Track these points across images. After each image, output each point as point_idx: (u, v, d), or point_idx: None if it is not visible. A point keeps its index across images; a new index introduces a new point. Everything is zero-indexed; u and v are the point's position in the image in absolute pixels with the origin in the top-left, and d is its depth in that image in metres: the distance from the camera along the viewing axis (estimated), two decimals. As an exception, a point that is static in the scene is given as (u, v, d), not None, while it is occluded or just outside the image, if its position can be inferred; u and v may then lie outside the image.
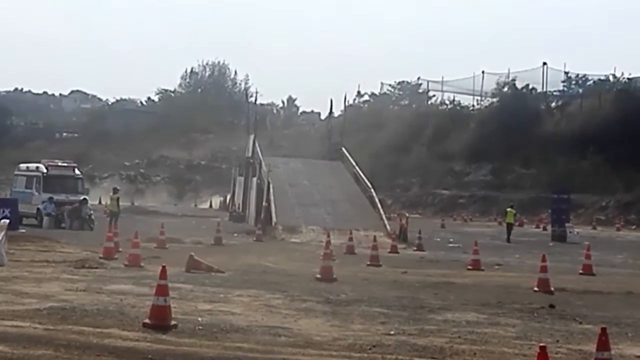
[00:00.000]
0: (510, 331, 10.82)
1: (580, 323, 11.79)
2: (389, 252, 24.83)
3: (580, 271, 19.99)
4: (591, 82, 67.10)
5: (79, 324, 9.80)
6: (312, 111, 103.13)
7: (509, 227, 34.66)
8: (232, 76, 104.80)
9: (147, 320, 9.68)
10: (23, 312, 10.40)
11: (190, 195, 68.47)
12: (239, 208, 41.32)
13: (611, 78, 65.55)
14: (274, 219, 31.34)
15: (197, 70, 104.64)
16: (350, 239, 25.08)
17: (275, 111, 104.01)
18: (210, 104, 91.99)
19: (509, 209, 35.29)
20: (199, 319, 10.48)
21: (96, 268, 16.34)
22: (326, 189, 36.04)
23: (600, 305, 13.96)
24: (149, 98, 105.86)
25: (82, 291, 12.75)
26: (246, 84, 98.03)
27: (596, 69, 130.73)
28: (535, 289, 15.56)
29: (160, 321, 9.59)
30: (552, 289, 15.54)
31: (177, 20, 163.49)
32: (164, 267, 9.87)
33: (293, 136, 78.77)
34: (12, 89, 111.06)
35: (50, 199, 30.89)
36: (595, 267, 20.29)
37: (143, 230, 22.19)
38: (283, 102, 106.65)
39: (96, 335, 9.17)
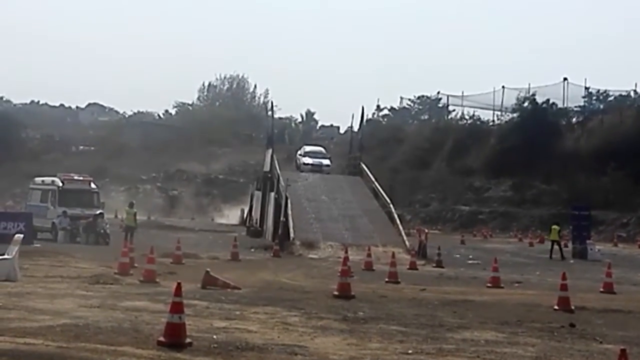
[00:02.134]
0: (529, 351, 10.64)
1: (601, 343, 11.60)
2: (408, 269, 24.61)
3: (601, 289, 19.71)
4: (612, 97, 66.73)
5: (93, 341, 9.68)
6: (331, 125, 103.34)
7: (555, 244, 34.34)
8: (251, 90, 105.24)
9: (161, 338, 9.54)
10: (36, 329, 10.28)
11: (208, 210, 68.36)
12: (256, 223, 41.20)
13: (632, 94, 65.16)
14: (291, 235, 31.18)
15: (215, 83, 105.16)
16: (369, 255, 24.93)
17: (293, 125, 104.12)
18: (228, 118, 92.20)
19: (554, 226, 34.93)
20: (215, 336, 10.35)
21: (111, 284, 16.27)
22: (344, 204, 35.90)
23: (621, 325, 13.76)
24: (166, 111, 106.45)
25: (96, 308, 12.65)
26: (265, 97, 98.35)
27: (617, 84, 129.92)
28: (556, 307, 15.32)
29: (175, 339, 9.45)
30: (573, 307, 15.30)
31: (195, 33, 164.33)
32: (179, 283, 9.73)
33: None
34: (28, 101, 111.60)
35: (64, 212, 30.85)
36: (616, 285, 20.01)
37: (159, 245, 22.12)
38: (302, 116, 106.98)
39: (110, 353, 9.04)
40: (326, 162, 42.82)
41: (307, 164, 42.32)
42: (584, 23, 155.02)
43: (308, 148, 45.97)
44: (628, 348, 7.08)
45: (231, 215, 59.13)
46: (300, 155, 44.39)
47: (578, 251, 34.89)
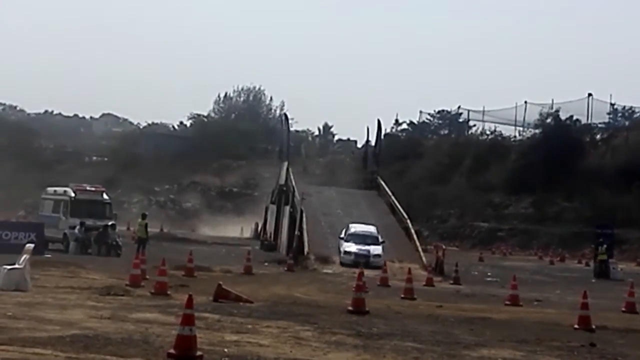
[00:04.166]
0: (548, 370, 10.42)
1: (622, 363, 11.39)
2: (424, 285, 24.42)
3: (623, 309, 19.47)
4: (638, 114, 66.11)
5: (102, 352, 9.61)
6: (349, 139, 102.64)
7: (602, 264, 34.14)
8: (267, 102, 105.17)
9: (171, 351, 9.41)
10: (45, 339, 10.23)
11: (221, 222, 68.15)
12: (270, 237, 41.06)
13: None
14: (306, 249, 31.01)
15: (231, 95, 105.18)
16: (385, 271, 24.71)
17: (310, 138, 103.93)
18: (243, 130, 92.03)
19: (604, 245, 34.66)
20: (225, 350, 10.25)
21: (122, 295, 16.21)
22: (361, 219, 35.61)
23: (643, 345, 13.54)
24: (181, 122, 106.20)
25: (106, 319, 12.60)
26: (281, 109, 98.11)
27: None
28: (576, 326, 15.12)
29: (185, 351, 9.32)
30: (593, 326, 15.09)
31: (211, 44, 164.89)
32: (190, 296, 9.64)
33: (328, 164, 78.61)
34: (42, 111, 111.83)
35: (82, 223, 30.82)
36: (638, 306, 19.68)
37: (171, 258, 22.04)
38: (319, 129, 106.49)
39: (119, 364, 8.96)
40: (376, 250, 30.58)
41: (350, 253, 30.39)
42: (609, 38, 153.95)
43: (354, 227, 32.48)
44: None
45: (244, 229, 58.46)
46: (342, 238, 31.86)
47: (600, 270, 34.45)
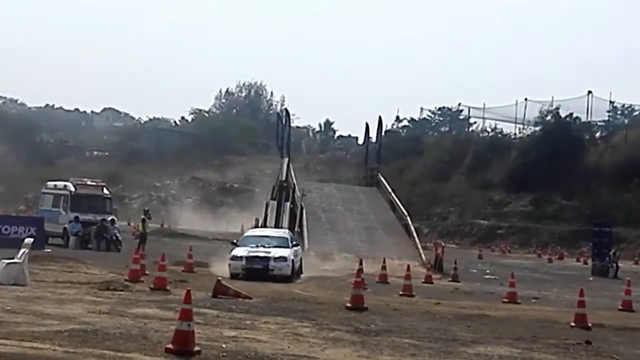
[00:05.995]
0: (544, 367, 10.45)
1: (617, 360, 11.40)
2: (423, 282, 24.42)
3: (620, 307, 19.47)
4: (637, 112, 66.13)
5: (100, 347, 9.60)
6: (349, 135, 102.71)
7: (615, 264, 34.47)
8: (268, 97, 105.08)
9: (170, 346, 9.45)
10: (43, 334, 10.23)
11: (222, 218, 68.08)
12: (270, 233, 40.90)
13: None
14: (306, 245, 30.95)
15: (232, 90, 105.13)
16: (384, 268, 24.66)
17: (311, 134, 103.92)
18: (244, 126, 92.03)
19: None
20: (224, 345, 10.26)
21: (121, 291, 16.18)
22: (360, 216, 35.70)
23: (639, 343, 13.55)
24: (182, 117, 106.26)
25: (105, 314, 12.59)
26: (282, 105, 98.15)
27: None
28: (572, 324, 15.09)
29: (183, 346, 9.35)
30: (590, 324, 15.07)
31: (213, 40, 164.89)
32: (188, 291, 9.66)
33: (328, 160, 78.60)
34: (43, 104, 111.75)
35: (76, 218, 30.80)
36: (635, 304, 19.70)
37: (171, 253, 22.03)
38: (320, 126, 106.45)
39: (117, 359, 8.99)
40: (281, 252, 23.21)
41: (239, 258, 22.87)
42: (609, 35, 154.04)
43: (251, 231, 28.13)
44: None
45: (245, 225, 58.15)
46: (235, 243, 24.90)
47: (598, 268, 34.54)
